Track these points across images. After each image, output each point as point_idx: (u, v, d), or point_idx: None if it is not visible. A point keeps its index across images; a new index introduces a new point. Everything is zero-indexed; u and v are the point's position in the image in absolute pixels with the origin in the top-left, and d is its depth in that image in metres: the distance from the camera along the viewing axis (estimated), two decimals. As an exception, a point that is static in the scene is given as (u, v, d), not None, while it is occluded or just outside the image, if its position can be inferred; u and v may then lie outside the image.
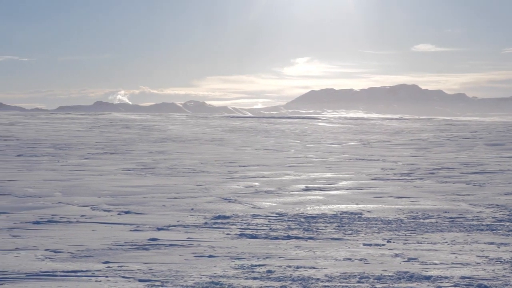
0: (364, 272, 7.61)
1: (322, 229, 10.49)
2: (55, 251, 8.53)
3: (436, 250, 9.03)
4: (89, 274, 7.40)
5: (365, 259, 8.37)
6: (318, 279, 7.30)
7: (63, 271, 7.47)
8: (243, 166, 21.79)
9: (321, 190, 15.75)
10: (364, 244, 9.36)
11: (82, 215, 11.50)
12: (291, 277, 7.39)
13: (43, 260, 8.04)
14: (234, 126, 58.12)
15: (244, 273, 7.54)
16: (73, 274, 7.38)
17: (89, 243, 9.08)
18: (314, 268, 7.83)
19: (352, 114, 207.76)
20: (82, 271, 7.52)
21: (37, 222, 10.72)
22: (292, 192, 15.19)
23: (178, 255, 8.49)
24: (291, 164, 23.23)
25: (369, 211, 12.44)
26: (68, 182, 16.46)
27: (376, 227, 10.81)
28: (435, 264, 8.13)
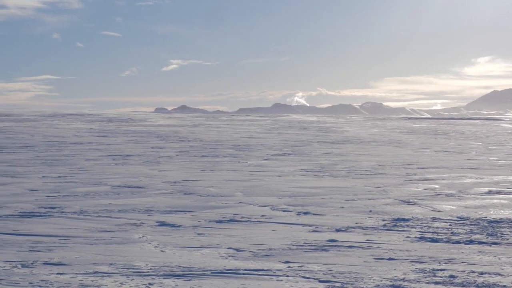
0: (554, 281, 7.23)
1: (507, 234, 10.07)
2: (237, 250, 8.78)
3: None
4: (270, 273, 7.55)
5: (555, 267, 7.95)
6: (504, 286, 7.03)
7: (245, 269, 7.68)
8: (422, 168, 21.36)
9: (505, 193, 15.11)
10: (553, 251, 8.89)
11: (262, 215, 11.75)
12: (475, 283, 7.16)
13: (226, 258, 8.31)
14: (412, 127, 57.09)
15: (425, 277, 7.40)
16: (255, 272, 7.56)
17: (270, 243, 9.26)
18: (499, 274, 7.54)
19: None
20: (263, 270, 7.69)
21: (220, 221, 11.08)
22: (474, 195, 14.71)
23: (357, 257, 8.47)
24: (472, 166, 22.48)
25: (558, 217, 11.79)
26: (248, 182, 16.88)
27: None
28: None
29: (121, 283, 7.02)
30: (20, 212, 11.62)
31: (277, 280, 7.25)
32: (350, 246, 9.09)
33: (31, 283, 7.00)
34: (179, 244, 9.10)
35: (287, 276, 7.43)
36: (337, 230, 10.33)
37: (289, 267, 7.85)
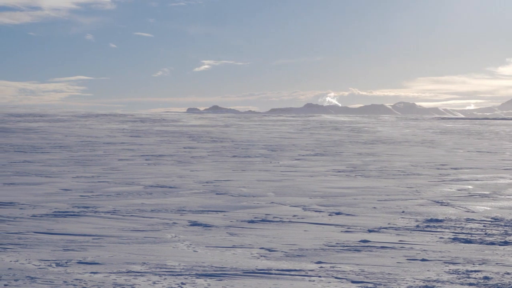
0: None
1: (543, 236, 9.95)
2: (269, 250, 8.78)
3: None
4: (303, 273, 7.54)
5: None
6: (539, 288, 6.94)
7: (277, 270, 7.68)
8: (455, 169, 21.20)
9: (540, 194, 14.93)
10: None
11: (294, 215, 11.74)
12: (509, 284, 7.08)
13: (258, 258, 8.31)
14: (445, 127, 56.66)
15: (459, 279, 7.34)
16: (287, 273, 7.56)
17: (302, 243, 9.25)
18: (534, 276, 7.45)
19: None
20: (295, 270, 7.68)
21: (252, 221, 11.09)
22: (508, 196, 14.56)
23: (390, 257, 8.42)
24: (507, 167, 22.25)
25: None
26: (280, 182, 16.87)
27: None
28: None
29: (154, 283, 7.06)
30: (55, 212, 11.74)
31: (309, 281, 7.24)
32: (382, 247, 9.05)
33: (65, 281, 7.08)
34: (211, 244, 9.13)
35: (319, 276, 7.42)
36: (370, 231, 10.29)
37: (321, 267, 7.84)
